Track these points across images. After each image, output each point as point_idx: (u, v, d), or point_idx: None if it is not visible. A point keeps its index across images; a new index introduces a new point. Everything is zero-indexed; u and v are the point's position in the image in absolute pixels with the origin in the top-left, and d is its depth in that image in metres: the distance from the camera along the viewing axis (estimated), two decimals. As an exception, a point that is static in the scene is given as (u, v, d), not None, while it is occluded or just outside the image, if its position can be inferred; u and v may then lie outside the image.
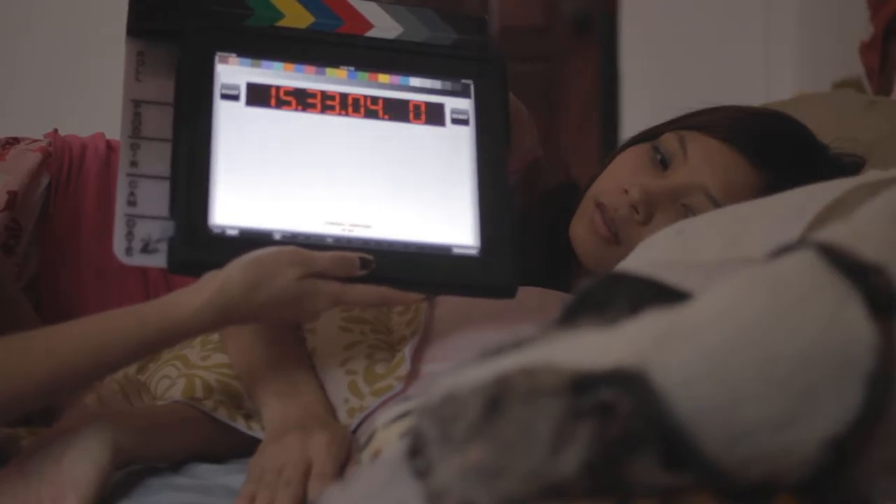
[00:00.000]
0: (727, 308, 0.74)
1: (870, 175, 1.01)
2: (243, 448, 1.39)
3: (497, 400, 0.74)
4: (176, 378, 1.47)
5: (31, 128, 1.91)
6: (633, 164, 1.55)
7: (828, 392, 0.72)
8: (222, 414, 1.39)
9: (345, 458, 1.27)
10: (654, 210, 1.50)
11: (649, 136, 1.59)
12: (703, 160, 1.50)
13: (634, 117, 4.61)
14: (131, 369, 1.55)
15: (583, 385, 0.73)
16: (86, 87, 4.62)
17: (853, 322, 0.74)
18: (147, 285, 1.68)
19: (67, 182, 1.69)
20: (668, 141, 1.54)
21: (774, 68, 4.41)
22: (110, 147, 1.79)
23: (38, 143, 1.73)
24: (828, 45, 3.76)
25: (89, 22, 4.64)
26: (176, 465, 1.36)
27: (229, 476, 1.34)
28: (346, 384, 1.39)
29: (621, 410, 0.72)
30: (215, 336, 1.52)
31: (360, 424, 1.36)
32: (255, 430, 1.38)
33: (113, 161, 1.75)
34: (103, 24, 4.63)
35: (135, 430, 1.32)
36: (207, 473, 1.35)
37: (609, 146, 4.68)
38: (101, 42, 4.64)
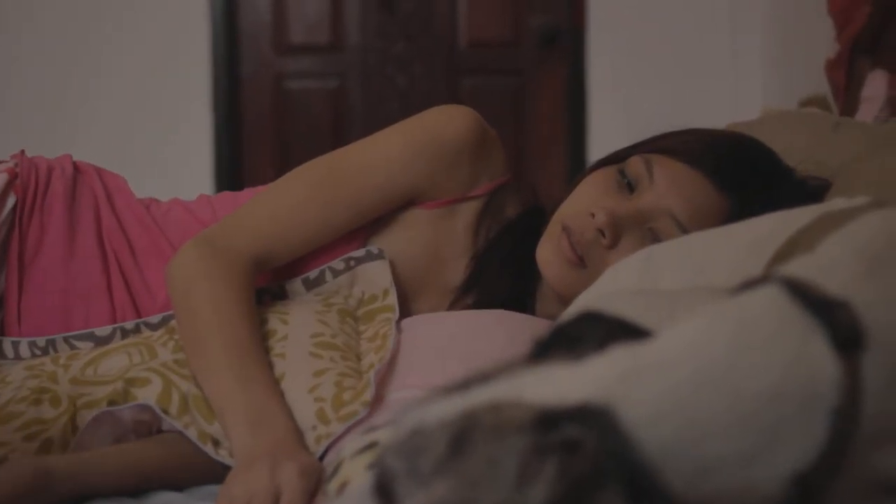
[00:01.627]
0: (692, 344, 0.74)
1: (835, 203, 1.01)
2: (204, 475, 1.39)
3: (463, 435, 0.74)
4: (144, 370, 1.45)
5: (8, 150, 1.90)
6: (600, 188, 1.55)
7: (792, 428, 0.72)
8: (192, 433, 1.38)
9: (314, 488, 1.26)
10: (620, 234, 1.50)
11: (616, 158, 1.59)
12: (669, 184, 1.50)
13: (602, 130, 4.64)
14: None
15: (549, 421, 0.72)
16: (57, 110, 4.62)
17: (818, 358, 0.74)
18: (114, 309, 1.67)
19: (34, 203, 1.69)
20: (635, 164, 1.53)
21: (742, 83, 4.44)
22: (77, 169, 1.79)
23: (4, 164, 1.72)
24: (794, 60, 3.78)
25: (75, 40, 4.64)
26: (138, 496, 1.36)
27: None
28: (314, 411, 1.39)
29: (587, 447, 0.71)
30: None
31: (326, 451, 1.36)
32: (223, 456, 1.38)
33: (80, 182, 1.75)
34: (73, 41, 4.63)
35: (69, 456, 1.35)
36: (172, 501, 1.34)
37: (576, 158, 4.70)
38: (67, 59, 4.64)
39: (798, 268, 0.82)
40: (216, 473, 1.39)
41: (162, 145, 4.58)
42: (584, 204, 1.54)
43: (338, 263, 1.63)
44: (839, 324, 0.75)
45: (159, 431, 1.45)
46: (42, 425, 1.43)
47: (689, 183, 1.49)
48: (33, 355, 1.62)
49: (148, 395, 1.42)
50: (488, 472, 0.72)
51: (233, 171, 4.68)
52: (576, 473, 0.71)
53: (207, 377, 1.41)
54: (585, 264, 1.51)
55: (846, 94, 2.49)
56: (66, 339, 1.62)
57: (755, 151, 1.56)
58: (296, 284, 1.64)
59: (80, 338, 1.62)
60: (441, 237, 1.66)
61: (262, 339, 1.48)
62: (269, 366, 1.44)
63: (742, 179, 1.50)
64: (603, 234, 1.50)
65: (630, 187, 1.53)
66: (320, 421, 1.38)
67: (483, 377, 0.79)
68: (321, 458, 1.35)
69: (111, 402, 1.41)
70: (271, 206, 1.59)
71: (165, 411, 1.40)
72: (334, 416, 1.37)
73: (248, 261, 1.53)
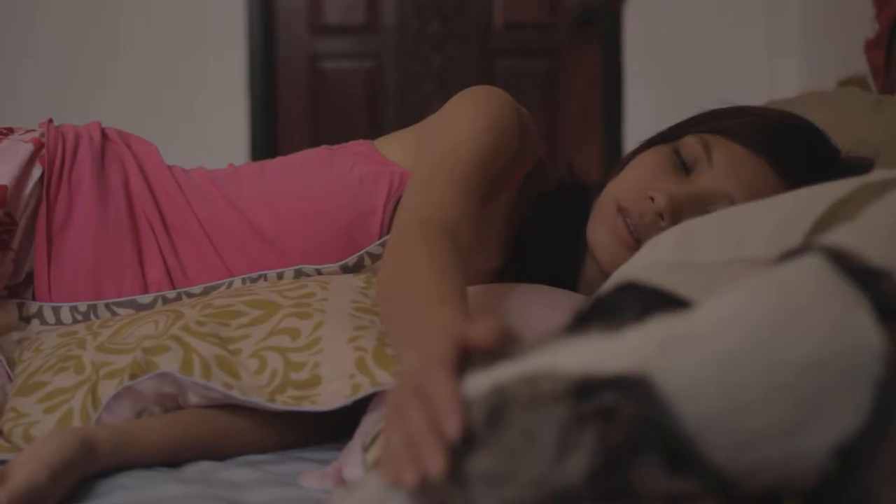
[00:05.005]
0: (731, 314, 0.73)
1: (875, 174, 1.00)
2: (241, 446, 1.39)
3: (498, 409, 0.74)
4: (166, 337, 1.42)
5: (38, 117, 1.89)
6: (655, 168, 1.52)
7: (834, 399, 0.71)
8: (237, 393, 1.36)
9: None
10: (679, 217, 1.46)
11: (669, 137, 1.57)
12: (729, 167, 1.48)
13: (638, 111, 4.61)
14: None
15: (586, 390, 0.72)
16: (91, 92, 4.64)
17: (860, 328, 0.73)
18: (146, 284, 1.65)
19: (61, 173, 1.66)
20: (691, 145, 1.51)
21: (778, 64, 4.40)
22: (105, 136, 1.75)
23: (31, 134, 1.69)
24: (831, 42, 3.75)
25: (95, 18, 4.65)
26: (177, 464, 1.36)
27: (233, 470, 1.34)
28: (353, 359, 1.36)
29: (624, 414, 0.71)
30: (217, 301, 1.51)
31: (365, 403, 1.34)
32: (278, 404, 1.35)
33: (108, 150, 1.72)
34: (108, 20, 4.64)
35: (112, 427, 1.33)
36: (210, 469, 1.35)
37: (612, 140, 4.68)
38: (105, 38, 4.66)
39: (839, 237, 0.81)
40: (252, 444, 1.39)
41: (198, 126, 4.60)
42: (640, 184, 1.52)
43: (375, 248, 1.62)
44: (882, 294, 0.74)
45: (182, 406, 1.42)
46: (63, 395, 1.42)
47: (748, 166, 1.48)
48: (75, 321, 1.61)
49: (168, 362, 1.39)
50: (526, 443, 0.72)
51: (268, 152, 4.68)
52: (615, 441, 0.71)
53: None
54: (641, 247, 1.47)
55: (885, 74, 2.47)
56: (107, 306, 1.61)
57: (811, 134, 1.53)
58: (332, 269, 1.63)
59: (122, 304, 1.62)
60: (480, 221, 1.62)
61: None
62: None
63: (799, 163, 1.48)
64: (662, 218, 1.48)
65: (685, 167, 1.51)
66: (359, 370, 1.35)
67: (512, 351, 0.79)
68: (358, 409, 1.33)
69: (133, 375, 1.39)
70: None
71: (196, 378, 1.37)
72: (375, 367, 1.35)
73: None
